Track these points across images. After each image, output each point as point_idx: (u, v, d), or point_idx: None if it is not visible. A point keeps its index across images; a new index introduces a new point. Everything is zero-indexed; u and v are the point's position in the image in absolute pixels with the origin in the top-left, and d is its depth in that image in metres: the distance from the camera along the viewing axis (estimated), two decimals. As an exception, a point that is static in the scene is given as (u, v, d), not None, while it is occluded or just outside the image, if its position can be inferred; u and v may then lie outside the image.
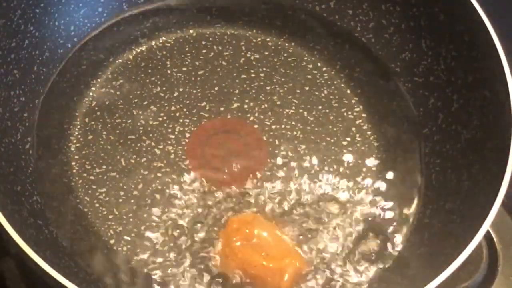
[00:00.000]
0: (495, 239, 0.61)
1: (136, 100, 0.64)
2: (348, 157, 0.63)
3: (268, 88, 0.66)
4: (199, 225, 0.58)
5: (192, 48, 0.68)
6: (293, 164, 0.62)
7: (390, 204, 0.61)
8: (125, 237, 0.57)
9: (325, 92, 0.66)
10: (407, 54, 0.65)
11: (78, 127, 0.63)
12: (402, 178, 0.62)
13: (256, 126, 0.64)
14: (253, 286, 0.55)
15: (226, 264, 0.56)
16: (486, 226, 0.50)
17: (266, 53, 0.68)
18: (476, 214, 0.52)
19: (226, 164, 0.61)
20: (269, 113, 0.64)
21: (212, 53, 0.68)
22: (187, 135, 0.63)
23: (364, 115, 0.65)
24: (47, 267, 0.46)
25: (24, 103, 0.60)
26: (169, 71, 0.66)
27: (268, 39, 0.69)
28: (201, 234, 0.58)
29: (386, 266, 0.58)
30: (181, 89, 0.65)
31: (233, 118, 0.64)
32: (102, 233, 0.58)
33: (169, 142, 0.62)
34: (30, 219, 0.54)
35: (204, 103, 0.65)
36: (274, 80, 0.66)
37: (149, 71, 0.66)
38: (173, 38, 0.68)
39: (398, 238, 0.59)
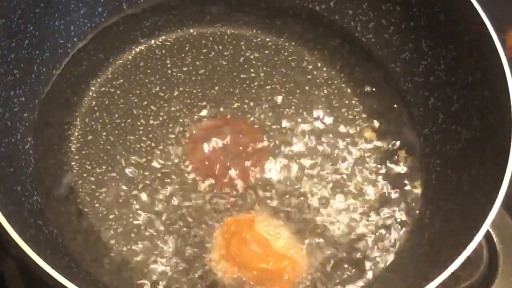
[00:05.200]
0: (495, 239, 0.61)
1: (136, 100, 0.64)
2: (348, 157, 0.63)
3: (268, 88, 0.66)
4: (198, 226, 0.58)
5: (192, 47, 0.68)
6: (293, 164, 0.62)
7: (389, 204, 0.61)
8: (125, 237, 0.57)
9: (325, 92, 0.66)
10: (407, 54, 0.65)
11: (78, 127, 0.63)
12: (402, 178, 0.62)
13: (256, 126, 0.64)
14: None
15: (224, 266, 0.56)
16: (486, 226, 0.50)
17: (266, 53, 0.68)
18: (476, 214, 0.52)
19: (226, 164, 0.61)
20: (269, 113, 0.64)
21: (212, 53, 0.68)
22: (187, 135, 0.63)
23: (364, 115, 0.65)
24: (47, 267, 0.46)
25: (24, 103, 0.60)
26: (169, 71, 0.66)
27: (268, 39, 0.69)
28: (200, 236, 0.58)
29: (386, 266, 0.58)
30: (181, 89, 0.65)
31: (233, 118, 0.64)
32: (102, 233, 0.58)
33: (169, 142, 0.62)
34: (30, 219, 0.54)
35: (204, 103, 0.65)
36: (274, 80, 0.66)
37: (149, 71, 0.66)
38: (173, 37, 0.68)
39: (398, 239, 0.59)
